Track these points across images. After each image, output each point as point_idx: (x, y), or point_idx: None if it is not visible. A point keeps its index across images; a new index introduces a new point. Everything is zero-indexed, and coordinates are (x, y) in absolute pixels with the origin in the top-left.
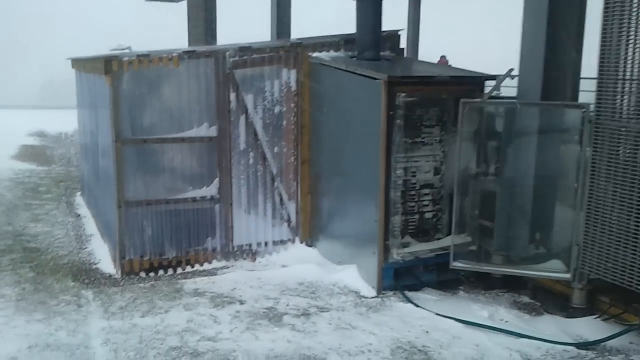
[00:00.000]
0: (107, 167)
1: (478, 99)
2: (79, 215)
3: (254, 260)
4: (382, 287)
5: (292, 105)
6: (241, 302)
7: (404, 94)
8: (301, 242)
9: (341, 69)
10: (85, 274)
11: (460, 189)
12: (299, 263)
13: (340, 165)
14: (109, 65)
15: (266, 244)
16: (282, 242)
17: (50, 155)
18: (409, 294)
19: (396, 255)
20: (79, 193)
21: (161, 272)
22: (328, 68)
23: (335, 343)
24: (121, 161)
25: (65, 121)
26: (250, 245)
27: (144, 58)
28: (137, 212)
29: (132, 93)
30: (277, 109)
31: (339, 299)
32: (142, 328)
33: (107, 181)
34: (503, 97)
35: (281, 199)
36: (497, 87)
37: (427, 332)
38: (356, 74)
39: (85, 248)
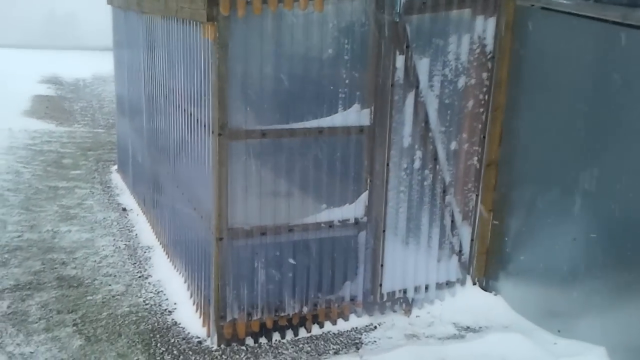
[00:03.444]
0: (193, 162)
1: None
2: (123, 208)
3: (408, 313)
4: None
5: (485, 75)
6: None
7: None
8: (474, 283)
9: (602, 20)
10: (162, 339)
11: None
12: (484, 324)
13: (579, 174)
14: (214, 9)
15: (427, 287)
16: (449, 284)
17: (70, 111)
18: None
19: None
20: (115, 167)
21: (277, 336)
22: (562, 16)
23: None
24: (226, 166)
25: (78, 65)
26: (404, 291)
27: None
28: (247, 247)
29: (245, 55)
30: (461, 82)
31: None
32: None
33: (192, 180)
34: None
35: (453, 221)
36: None
37: None
38: None
39: (147, 277)
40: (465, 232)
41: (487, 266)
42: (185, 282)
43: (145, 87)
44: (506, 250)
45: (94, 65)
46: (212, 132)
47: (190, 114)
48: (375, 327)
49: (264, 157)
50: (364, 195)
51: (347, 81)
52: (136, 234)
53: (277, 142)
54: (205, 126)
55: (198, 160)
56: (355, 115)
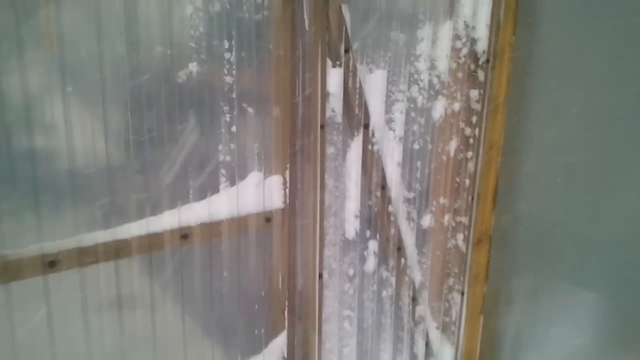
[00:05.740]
0: None
1: None
2: None
3: None
4: None
5: (476, 94)
6: None
7: None
8: None
9: None
10: None
11: None
12: None
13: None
14: None
15: None
16: None
17: None
18: None
19: None
20: None
21: None
22: None
23: None
24: None
25: None
26: None
27: None
28: None
29: None
30: (438, 109)
31: None
32: None
33: None
34: None
35: (427, 343)
36: None
37: None
38: None
39: None
40: (446, 356)
41: None
42: None
43: None
44: None
45: None
46: None
47: None
48: None
49: (62, 306)
50: (280, 339)
51: (232, 127)
52: None
53: (89, 274)
54: None
55: None
56: (254, 193)
